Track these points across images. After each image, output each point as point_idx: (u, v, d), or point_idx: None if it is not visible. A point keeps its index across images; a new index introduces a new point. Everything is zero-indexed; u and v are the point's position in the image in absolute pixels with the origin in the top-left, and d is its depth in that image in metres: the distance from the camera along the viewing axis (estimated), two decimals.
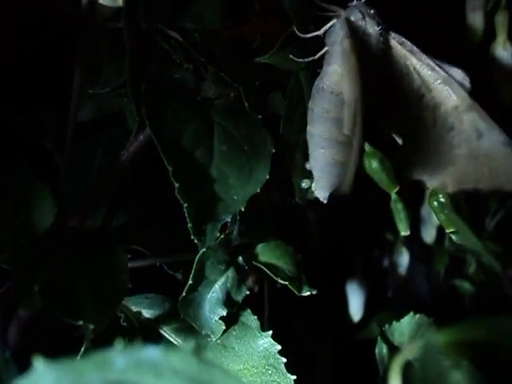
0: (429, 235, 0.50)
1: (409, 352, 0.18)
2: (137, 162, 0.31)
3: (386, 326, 0.38)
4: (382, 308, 0.55)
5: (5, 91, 0.37)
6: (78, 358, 0.26)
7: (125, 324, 0.28)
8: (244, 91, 0.27)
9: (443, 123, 0.28)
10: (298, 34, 0.28)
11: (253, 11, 0.30)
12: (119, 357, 0.14)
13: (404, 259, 0.50)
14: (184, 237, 0.33)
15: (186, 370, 0.14)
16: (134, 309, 0.29)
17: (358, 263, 0.50)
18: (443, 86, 0.28)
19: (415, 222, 0.55)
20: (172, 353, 0.14)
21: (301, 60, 0.28)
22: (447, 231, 0.30)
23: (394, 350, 0.38)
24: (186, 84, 0.27)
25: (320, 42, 0.29)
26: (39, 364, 0.14)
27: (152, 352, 0.14)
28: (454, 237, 0.28)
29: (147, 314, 0.29)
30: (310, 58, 0.28)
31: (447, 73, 0.27)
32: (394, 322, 0.38)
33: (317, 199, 0.32)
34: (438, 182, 0.30)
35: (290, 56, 0.28)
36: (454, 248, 0.51)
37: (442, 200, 0.29)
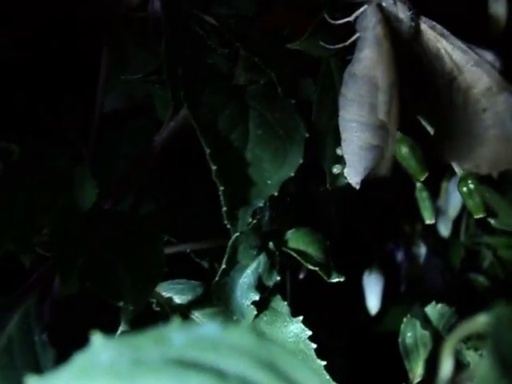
0: (445, 228, 0.50)
1: (462, 331, 0.18)
2: (166, 150, 0.32)
3: (408, 315, 0.38)
4: (396, 301, 0.55)
5: (29, 82, 0.37)
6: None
7: (158, 309, 0.28)
8: (276, 76, 0.27)
9: (476, 105, 0.28)
10: (329, 20, 0.28)
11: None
12: (177, 333, 0.14)
13: (421, 252, 0.50)
14: (209, 223, 0.33)
15: (245, 346, 0.14)
16: (166, 294, 0.29)
17: (376, 256, 0.50)
18: (475, 68, 0.28)
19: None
20: (230, 329, 0.14)
21: (331, 46, 0.29)
22: (476, 217, 0.30)
23: (419, 338, 0.38)
24: (219, 69, 0.27)
25: (348, 28, 0.30)
26: (97, 339, 0.14)
27: (210, 328, 0.14)
28: (492, 221, 0.28)
29: (178, 299, 0.29)
30: (341, 45, 0.29)
31: (478, 55, 0.27)
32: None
33: (338, 188, 0.32)
34: (471, 165, 0.30)
35: (321, 42, 0.29)
36: (470, 241, 0.52)
37: (472, 186, 0.29)
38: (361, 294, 0.52)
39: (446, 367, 0.17)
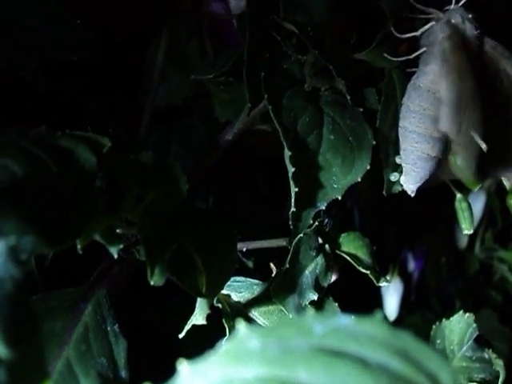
0: (462, 241, 0.52)
1: None
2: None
3: (437, 323, 0.39)
4: (409, 309, 0.56)
5: (78, 77, 0.38)
6: (183, 333, 0.27)
7: (219, 305, 0.28)
8: (345, 85, 0.28)
9: None
10: (395, 33, 0.30)
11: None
12: (316, 323, 0.15)
13: (440, 262, 0.52)
14: (257, 224, 0.33)
15: (380, 336, 0.15)
16: (224, 292, 0.29)
17: (396, 264, 0.51)
18: None
19: (445, 228, 0.57)
20: (364, 320, 0.15)
21: (396, 59, 0.30)
22: None
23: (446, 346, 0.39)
24: (293, 74, 0.28)
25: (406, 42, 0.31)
26: (242, 328, 0.15)
27: (345, 319, 0.15)
28: None
29: (236, 297, 0.29)
30: (405, 58, 0.30)
31: None
32: (444, 320, 0.39)
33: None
34: None
35: (385, 54, 0.30)
36: (484, 255, 0.53)
37: None
38: (376, 301, 0.53)
39: None
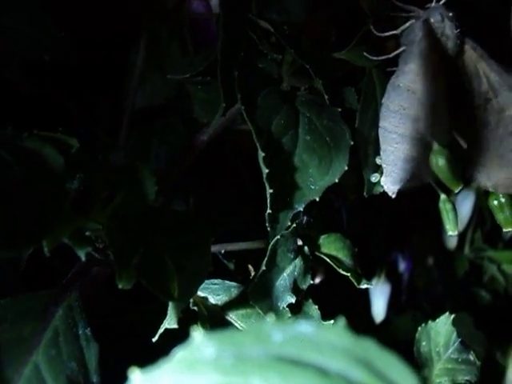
0: (451, 241, 0.51)
1: None
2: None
3: (423, 325, 0.39)
4: (398, 311, 0.56)
5: (59, 77, 0.37)
6: (157, 336, 0.26)
7: (195, 308, 0.28)
8: (323, 84, 0.27)
9: (506, 127, 0.29)
10: (375, 32, 0.29)
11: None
12: (276, 331, 0.14)
13: (427, 263, 0.51)
14: (237, 226, 0.33)
15: (342, 345, 0.14)
16: (201, 294, 0.29)
17: (383, 265, 0.51)
18: (509, 92, 0.29)
19: (434, 229, 0.57)
20: (326, 328, 0.15)
21: (375, 58, 0.29)
22: (505, 230, 0.31)
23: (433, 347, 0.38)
24: (269, 74, 0.27)
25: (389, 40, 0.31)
26: (198, 335, 0.14)
27: (306, 327, 0.15)
28: None
29: (213, 299, 0.29)
30: (385, 57, 0.29)
31: None
32: (430, 322, 0.38)
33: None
34: (492, 184, 0.31)
35: (365, 53, 0.29)
36: (474, 255, 0.53)
37: (502, 200, 0.30)
38: (363, 302, 0.53)
39: None
